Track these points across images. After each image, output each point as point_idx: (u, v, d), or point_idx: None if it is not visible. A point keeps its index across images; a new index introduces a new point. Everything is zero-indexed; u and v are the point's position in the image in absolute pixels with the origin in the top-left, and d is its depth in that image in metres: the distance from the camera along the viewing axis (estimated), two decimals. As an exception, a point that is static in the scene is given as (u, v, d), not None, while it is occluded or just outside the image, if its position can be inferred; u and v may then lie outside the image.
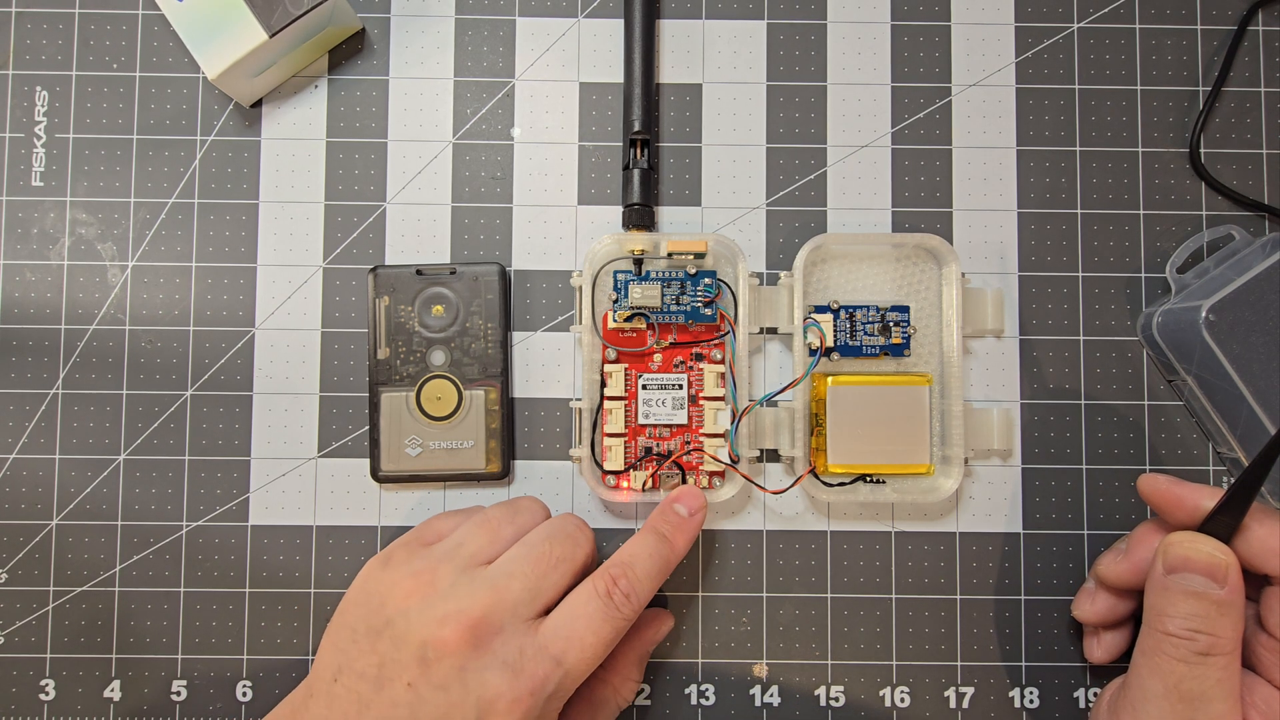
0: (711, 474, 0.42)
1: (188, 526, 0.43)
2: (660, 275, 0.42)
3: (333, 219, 0.44)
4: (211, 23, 0.41)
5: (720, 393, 0.42)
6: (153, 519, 0.43)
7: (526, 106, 0.45)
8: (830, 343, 0.42)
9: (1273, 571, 0.34)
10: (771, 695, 0.43)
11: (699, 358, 0.43)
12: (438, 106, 0.45)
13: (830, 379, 0.42)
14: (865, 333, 0.42)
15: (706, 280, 0.42)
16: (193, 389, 0.44)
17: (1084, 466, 0.43)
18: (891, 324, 0.42)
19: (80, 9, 0.45)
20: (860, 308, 0.43)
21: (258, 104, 0.45)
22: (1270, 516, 0.35)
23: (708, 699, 0.43)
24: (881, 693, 0.43)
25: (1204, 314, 0.39)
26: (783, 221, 0.44)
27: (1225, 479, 0.43)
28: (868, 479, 0.43)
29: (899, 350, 0.42)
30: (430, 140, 0.45)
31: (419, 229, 0.44)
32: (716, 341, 0.42)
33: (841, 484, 0.43)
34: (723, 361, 0.42)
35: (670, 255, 0.42)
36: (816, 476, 0.42)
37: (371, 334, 0.43)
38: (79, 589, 0.43)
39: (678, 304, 0.42)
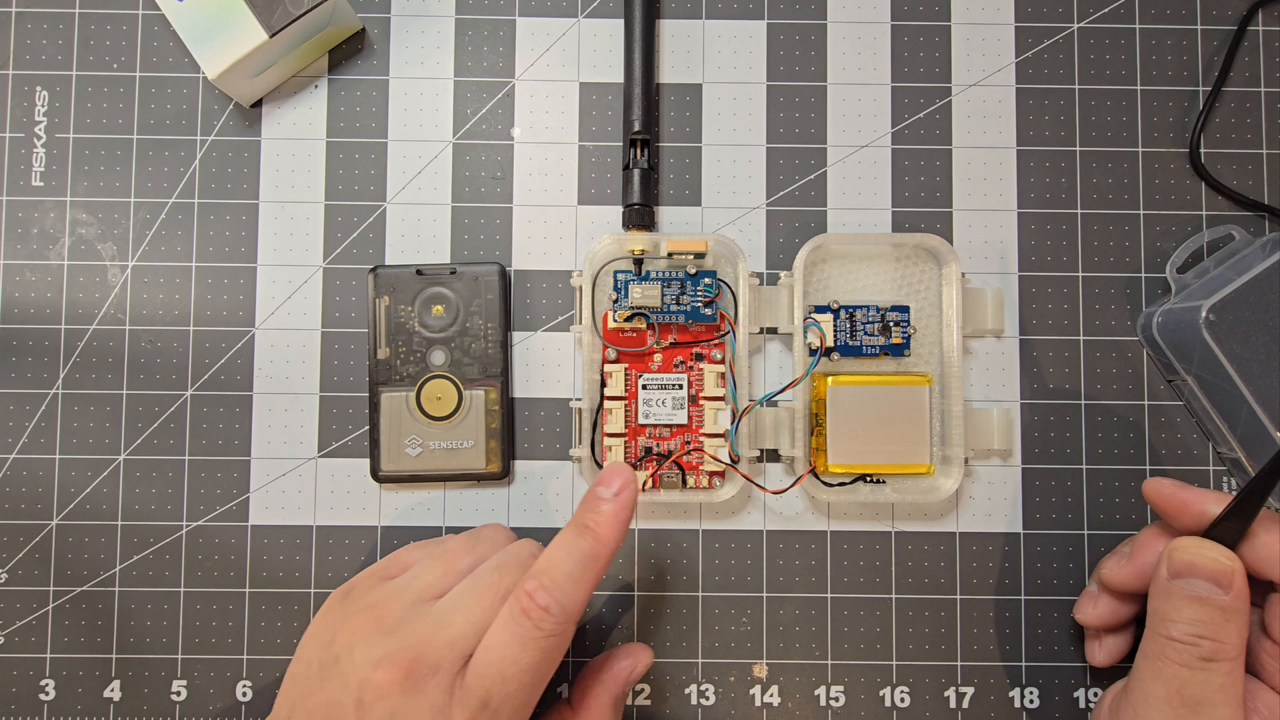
0: (712, 474, 0.42)
1: (188, 526, 0.43)
2: (660, 275, 0.42)
3: (333, 219, 0.44)
4: (211, 23, 0.41)
5: (720, 393, 0.42)
6: (153, 519, 0.43)
7: (526, 106, 0.45)
8: (830, 343, 0.42)
9: (1278, 578, 0.34)
10: (771, 695, 0.43)
11: (699, 358, 0.43)
12: (438, 106, 0.45)
13: (830, 379, 0.42)
14: (865, 333, 0.42)
15: (706, 280, 0.42)
16: (193, 389, 0.44)
17: (1084, 466, 0.43)
18: (891, 324, 0.42)
19: (80, 9, 0.45)
20: (860, 308, 0.43)
21: (258, 104, 0.45)
22: (1277, 523, 0.35)
23: (708, 699, 0.43)
24: (881, 693, 0.43)
25: (1204, 314, 0.39)
26: (783, 221, 0.44)
27: (1226, 479, 0.43)
28: (868, 479, 0.43)
29: (899, 350, 0.42)
30: (430, 140, 0.45)
31: (419, 229, 0.44)
32: (716, 341, 0.42)
33: (842, 484, 0.42)
34: (723, 361, 0.42)
35: (670, 255, 0.42)
36: (816, 476, 0.42)
37: (371, 334, 0.43)
38: (79, 589, 0.43)
39: (678, 304, 0.42)
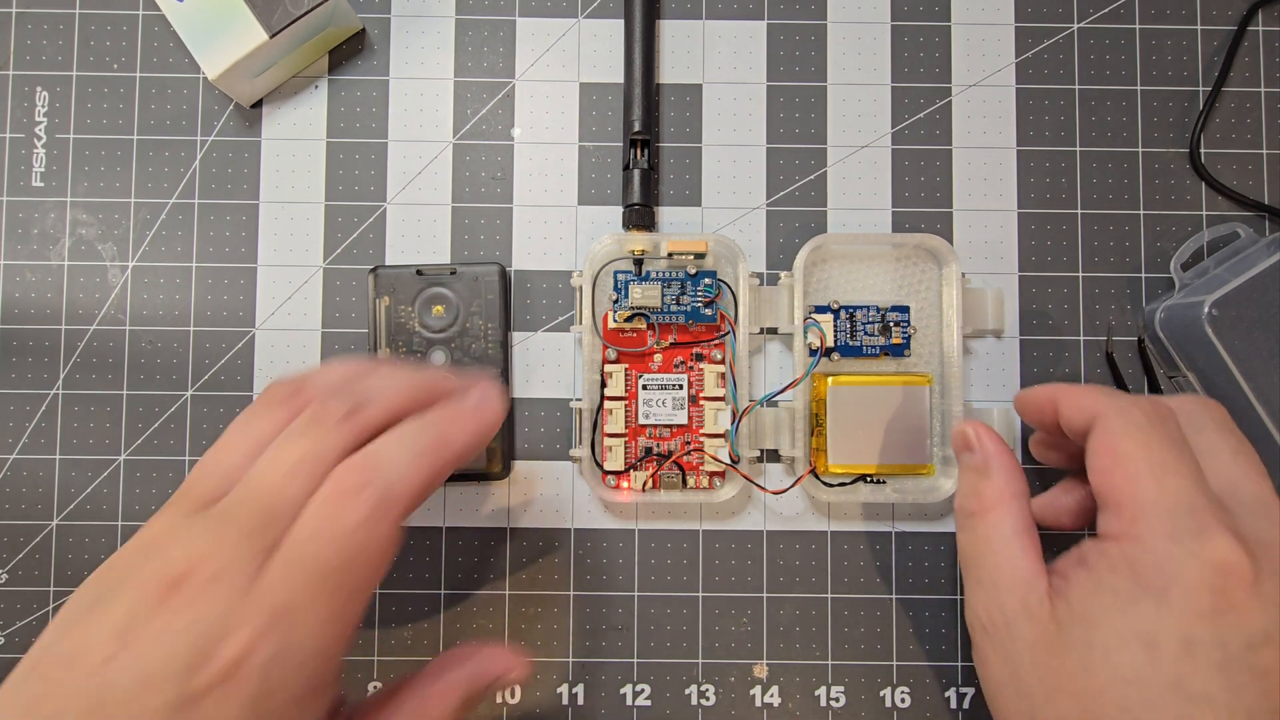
0: (712, 474, 0.42)
1: (187, 527, 0.43)
2: (660, 275, 0.42)
3: (333, 219, 0.44)
4: (211, 23, 0.41)
5: (720, 393, 0.42)
6: (153, 519, 0.43)
7: (526, 106, 0.45)
8: (830, 343, 0.42)
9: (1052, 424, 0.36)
10: (771, 695, 0.43)
11: (699, 358, 0.43)
12: (438, 106, 0.45)
13: (830, 379, 0.42)
14: (865, 333, 0.42)
15: (707, 280, 0.42)
16: (193, 389, 0.44)
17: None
18: (892, 324, 0.42)
19: (80, 9, 0.45)
20: (860, 308, 0.43)
21: (258, 104, 0.45)
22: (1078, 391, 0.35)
23: (708, 699, 0.43)
24: (881, 693, 0.43)
25: (1207, 309, 0.39)
26: (783, 221, 0.44)
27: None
28: (868, 479, 0.43)
29: (899, 350, 0.42)
30: (430, 140, 0.45)
31: (419, 229, 0.44)
32: (717, 342, 0.42)
33: (842, 484, 0.42)
34: (723, 362, 0.42)
35: (670, 255, 0.42)
36: (817, 477, 0.42)
37: (371, 334, 0.43)
38: (79, 589, 0.43)
39: (678, 304, 0.42)
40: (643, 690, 0.43)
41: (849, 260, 0.43)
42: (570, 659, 0.43)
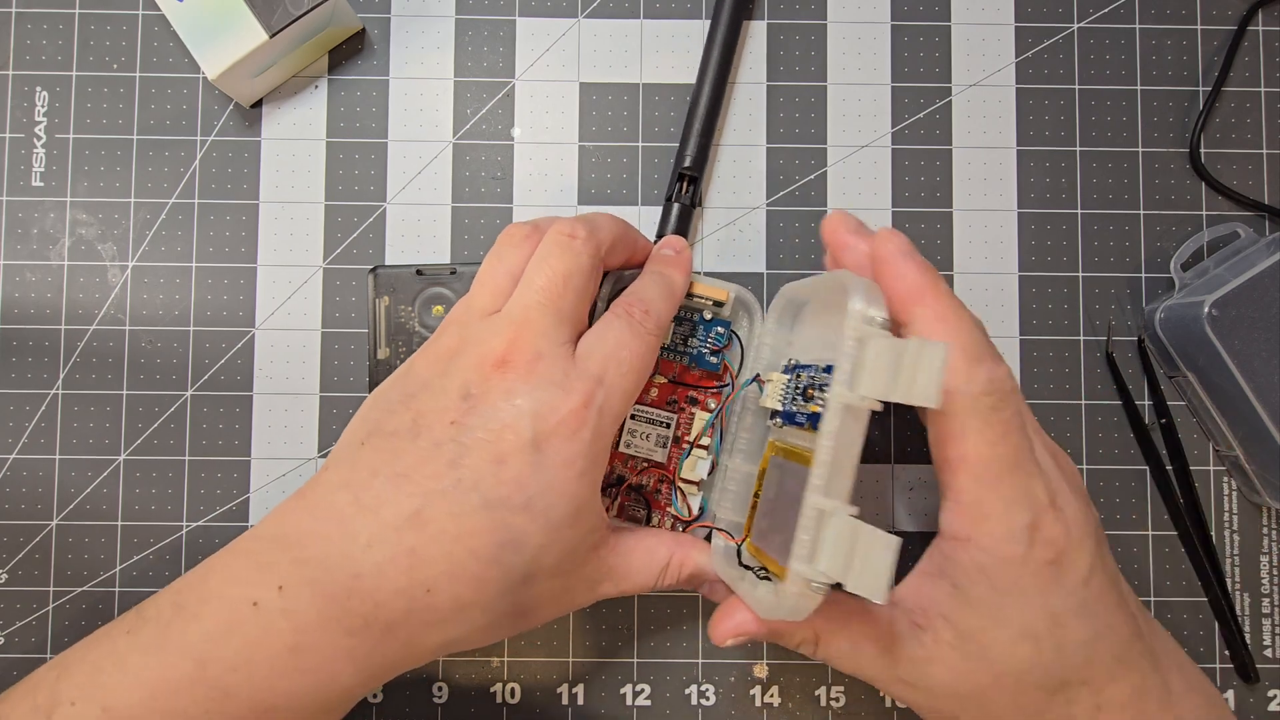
0: (676, 519, 0.41)
1: (188, 526, 0.43)
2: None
3: (333, 219, 0.44)
4: (211, 23, 0.41)
5: (705, 441, 0.40)
6: (153, 519, 0.43)
7: (526, 106, 0.45)
8: (777, 405, 0.37)
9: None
10: (771, 695, 0.43)
11: (693, 401, 0.41)
12: (438, 106, 0.45)
13: (779, 449, 0.36)
14: (803, 397, 0.35)
15: (719, 329, 0.40)
16: (193, 389, 0.44)
17: (1084, 467, 0.43)
18: (818, 388, 0.34)
19: (80, 9, 0.45)
20: (806, 368, 0.36)
21: (258, 104, 0.45)
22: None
23: (708, 699, 0.43)
24: (882, 693, 0.43)
25: (1207, 309, 0.39)
26: (783, 221, 0.44)
27: (1226, 480, 0.43)
28: (761, 572, 0.34)
29: (816, 420, 0.33)
30: (430, 140, 0.45)
31: (419, 229, 0.44)
32: (714, 391, 0.41)
33: (747, 567, 0.35)
34: (715, 411, 0.40)
35: (691, 296, 0.40)
36: (739, 552, 0.37)
37: (371, 334, 0.43)
38: (79, 589, 0.43)
39: (685, 345, 0.41)
40: (643, 690, 0.43)
41: (830, 307, 0.36)
42: (570, 659, 0.43)
